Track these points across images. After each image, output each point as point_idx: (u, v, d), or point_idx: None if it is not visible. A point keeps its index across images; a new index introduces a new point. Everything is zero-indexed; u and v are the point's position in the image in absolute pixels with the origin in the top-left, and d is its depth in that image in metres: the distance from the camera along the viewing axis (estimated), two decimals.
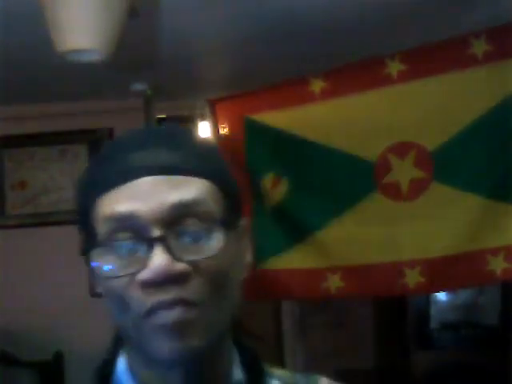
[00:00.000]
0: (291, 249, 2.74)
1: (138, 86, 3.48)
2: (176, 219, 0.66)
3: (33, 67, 3.03)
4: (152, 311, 0.66)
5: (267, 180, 2.78)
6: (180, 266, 0.65)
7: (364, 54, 2.61)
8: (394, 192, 2.58)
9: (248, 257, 0.75)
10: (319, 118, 2.68)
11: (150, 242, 0.65)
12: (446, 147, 2.50)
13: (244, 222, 0.75)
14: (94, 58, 2.11)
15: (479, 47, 2.41)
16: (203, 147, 0.74)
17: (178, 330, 0.65)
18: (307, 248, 2.72)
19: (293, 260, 2.73)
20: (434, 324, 4.19)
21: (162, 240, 0.65)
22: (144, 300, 0.66)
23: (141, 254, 0.66)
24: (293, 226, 2.77)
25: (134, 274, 0.66)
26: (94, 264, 0.68)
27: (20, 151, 3.81)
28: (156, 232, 0.65)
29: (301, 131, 2.69)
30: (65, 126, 3.81)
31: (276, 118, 2.74)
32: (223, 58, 3.25)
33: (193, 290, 0.66)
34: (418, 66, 2.53)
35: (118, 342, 0.77)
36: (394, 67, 2.55)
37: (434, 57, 2.52)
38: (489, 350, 3.99)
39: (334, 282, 2.67)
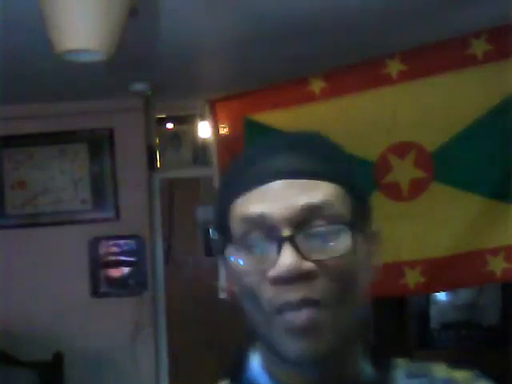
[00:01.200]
0: None
1: (138, 86, 3.48)
2: (305, 220, 0.70)
3: (33, 67, 3.03)
4: (281, 310, 0.69)
5: None
6: (307, 265, 0.68)
7: (364, 54, 2.61)
8: (394, 192, 2.58)
9: (377, 261, 0.80)
10: (319, 118, 2.68)
11: (280, 241, 0.69)
12: (446, 147, 2.51)
13: (376, 227, 0.79)
14: (94, 58, 2.11)
15: (479, 47, 2.42)
16: (334, 152, 0.77)
17: (305, 331, 0.68)
18: None
19: None
20: (434, 324, 4.19)
21: (290, 239, 0.68)
22: (273, 298, 0.69)
23: (272, 253, 0.69)
24: None
25: (265, 272, 0.69)
26: (230, 260, 0.73)
27: (20, 151, 3.81)
28: (285, 232, 0.69)
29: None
30: (65, 126, 3.80)
31: (276, 118, 2.74)
32: (223, 58, 3.25)
33: (320, 289, 0.69)
34: (418, 66, 2.53)
35: (251, 338, 0.80)
36: (394, 67, 2.55)
37: (434, 57, 2.53)
38: (489, 350, 3.99)
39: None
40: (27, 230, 3.79)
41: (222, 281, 2.86)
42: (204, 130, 3.78)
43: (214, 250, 4.67)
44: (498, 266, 2.43)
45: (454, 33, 2.48)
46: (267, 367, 0.76)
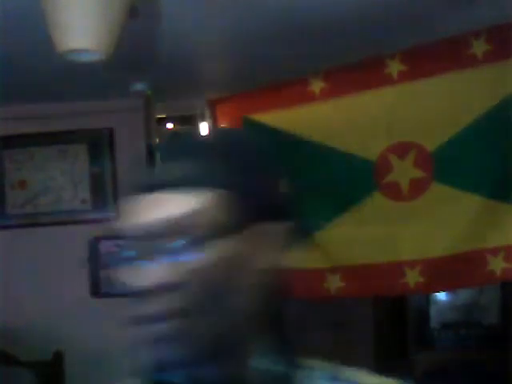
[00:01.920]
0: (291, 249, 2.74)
1: (138, 86, 3.48)
2: (166, 233, 0.69)
3: (33, 67, 3.03)
4: (142, 322, 0.69)
5: None
6: (165, 279, 0.68)
7: (364, 54, 2.61)
8: (394, 192, 2.58)
9: (264, 260, 0.76)
10: (319, 118, 2.68)
11: (143, 254, 0.69)
12: (446, 147, 2.51)
13: (260, 226, 0.75)
14: (94, 58, 2.11)
15: (479, 47, 2.42)
16: (207, 157, 0.74)
17: (164, 342, 0.68)
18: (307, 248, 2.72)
19: (293, 260, 2.73)
20: (434, 324, 4.19)
21: (154, 252, 0.69)
22: (134, 311, 0.70)
23: (135, 267, 0.70)
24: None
25: (129, 286, 0.70)
26: (111, 272, 0.75)
27: (20, 151, 3.81)
28: (149, 244, 0.69)
29: (301, 131, 2.69)
30: (65, 126, 3.80)
31: (276, 118, 2.74)
32: (223, 58, 3.25)
33: (180, 301, 0.69)
34: (418, 66, 2.53)
35: None
36: (394, 67, 2.55)
37: (434, 57, 2.53)
38: (489, 349, 3.99)
39: (334, 282, 2.67)
40: (27, 229, 3.79)
41: None
42: (204, 130, 3.78)
43: None
44: (497, 265, 2.43)
45: (453, 33, 2.48)
46: None
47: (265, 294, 0.75)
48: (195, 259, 0.69)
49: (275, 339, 0.78)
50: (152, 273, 0.68)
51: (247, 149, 0.79)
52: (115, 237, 0.73)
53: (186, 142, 0.80)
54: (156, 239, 0.69)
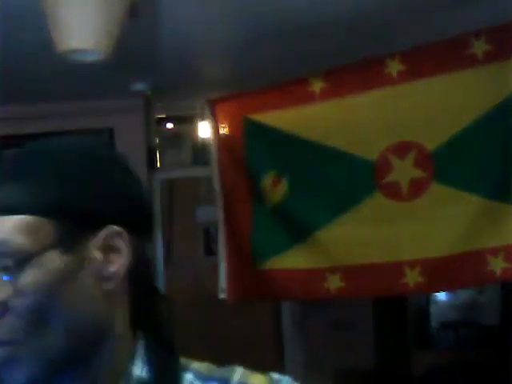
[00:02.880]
0: (291, 249, 2.74)
1: (138, 86, 3.48)
2: None
3: (33, 67, 3.03)
4: None
5: (267, 180, 2.78)
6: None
7: (364, 54, 2.61)
8: (394, 192, 2.58)
9: (114, 265, 0.74)
10: (319, 118, 2.68)
11: None
12: (446, 147, 2.50)
13: (96, 236, 0.73)
14: (94, 58, 2.11)
15: (479, 47, 2.41)
16: (33, 175, 0.72)
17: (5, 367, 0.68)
18: (307, 248, 2.72)
19: (293, 260, 2.74)
20: (434, 324, 4.19)
21: None
22: None
23: None
24: (293, 226, 2.77)
25: None
26: None
27: None
28: None
29: (301, 131, 2.69)
30: (65, 126, 3.80)
31: (276, 118, 2.74)
32: (223, 59, 3.26)
33: (6, 328, 0.68)
34: (418, 66, 2.53)
35: None
36: (394, 67, 2.55)
37: (434, 57, 2.52)
38: (489, 349, 3.99)
39: (334, 282, 2.67)
40: None
41: (222, 281, 2.87)
42: (204, 129, 3.78)
43: (213, 250, 4.68)
44: (497, 265, 2.43)
45: (454, 33, 2.48)
46: None
47: (122, 297, 0.75)
48: (26, 281, 0.68)
49: (149, 342, 0.78)
50: None
51: (78, 157, 0.75)
52: None
53: (7, 161, 0.75)
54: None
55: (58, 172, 0.72)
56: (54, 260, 0.69)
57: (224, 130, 2.87)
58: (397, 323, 4.22)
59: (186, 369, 0.80)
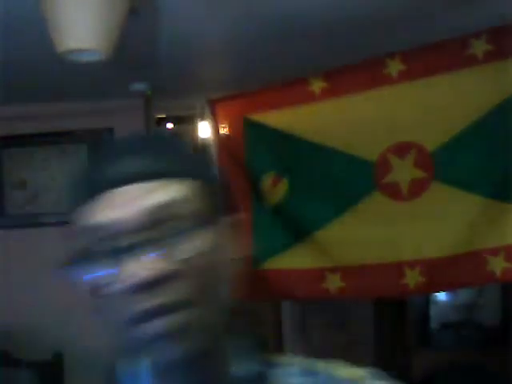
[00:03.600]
0: (291, 249, 2.74)
1: (138, 86, 3.48)
2: (153, 223, 0.66)
3: (33, 67, 3.03)
4: (141, 319, 0.66)
5: (267, 180, 2.78)
6: (161, 270, 0.65)
7: (364, 54, 2.61)
8: (394, 192, 2.58)
9: (237, 252, 0.74)
10: (319, 118, 2.68)
11: (130, 249, 0.66)
12: (446, 147, 2.50)
13: (231, 217, 0.74)
14: (94, 58, 2.11)
15: (479, 47, 2.41)
16: (179, 149, 0.74)
17: (171, 335, 0.66)
18: (307, 248, 2.72)
19: (293, 260, 2.74)
20: (434, 324, 4.19)
21: (140, 246, 0.65)
22: (132, 308, 0.66)
23: (123, 263, 0.66)
24: (293, 226, 2.77)
25: (118, 283, 0.66)
26: (76, 275, 0.70)
27: (20, 151, 3.81)
28: (134, 238, 0.66)
29: (301, 131, 2.69)
30: (65, 126, 3.80)
31: (276, 118, 2.74)
32: (223, 58, 3.25)
33: (179, 291, 0.66)
34: (418, 66, 2.53)
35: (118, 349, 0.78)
36: (394, 67, 2.55)
37: (434, 57, 2.52)
38: (489, 349, 3.99)
39: (334, 282, 2.67)
40: (27, 230, 3.79)
41: None
42: (204, 129, 3.78)
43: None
44: (497, 265, 2.43)
45: (454, 33, 2.48)
46: (149, 376, 0.75)
47: (235, 286, 0.75)
48: (194, 245, 0.67)
49: (247, 336, 0.78)
50: (147, 265, 0.65)
51: (182, 143, 0.77)
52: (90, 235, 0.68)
53: (131, 140, 0.77)
54: (143, 231, 0.66)
55: (187, 151, 0.75)
56: (214, 232, 0.69)
57: (224, 130, 2.87)
58: (397, 323, 4.22)
59: (284, 363, 0.79)
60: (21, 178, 3.81)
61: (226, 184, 0.76)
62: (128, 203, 0.67)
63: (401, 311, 4.16)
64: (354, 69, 2.67)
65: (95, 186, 0.69)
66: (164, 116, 4.03)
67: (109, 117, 3.79)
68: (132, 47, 2.54)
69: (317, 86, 2.66)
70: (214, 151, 2.90)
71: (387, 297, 3.48)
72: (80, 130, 3.82)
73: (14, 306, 3.61)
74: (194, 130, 3.98)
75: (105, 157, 0.73)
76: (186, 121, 4.01)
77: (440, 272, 2.54)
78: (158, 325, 0.65)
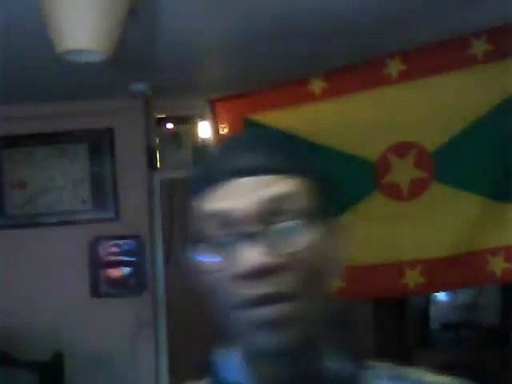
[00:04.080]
0: None
1: (138, 86, 3.48)
2: (269, 215, 0.70)
3: (33, 67, 3.03)
4: (248, 305, 0.69)
5: None
6: (273, 260, 0.69)
7: (364, 54, 2.61)
8: (394, 192, 2.58)
9: (341, 253, 0.79)
10: (319, 118, 2.68)
11: (241, 237, 0.69)
12: (446, 147, 2.51)
13: (338, 219, 0.79)
14: (94, 58, 2.11)
15: (479, 47, 2.42)
16: (294, 146, 0.78)
17: (276, 324, 0.69)
18: None
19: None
20: (434, 324, 4.19)
21: (252, 235, 0.69)
22: (240, 293, 0.69)
23: (237, 249, 0.70)
24: None
25: (231, 269, 0.70)
26: (197, 258, 0.74)
27: (20, 151, 3.81)
28: (249, 227, 0.70)
29: (301, 131, 2.68)
30: (65, 126, 3.80)
31: (276, 118, 2.74)
32: (223, 58, 3.25)
33: (287, 282, 0.69)
34: (418, 66, 2.53)
35: (223, 337, 0.80)
36: (394, 67, 2.55)
37: (434, 57, 2.53)
38: (489, 349, 3.99)
39: (334, 283, 2.67)
40: (27, 230, 3.79)
41: None
42: (204, 130, 3.78)
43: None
44: (497, 266, 2.43)
45: (454, 33, 2.48)
46: (244, 364, 0.77)
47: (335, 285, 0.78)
48: (306, 239, 0.71)
49: (341, 337, 0.80)
50: (263, 254, 0.68)
51: (296, 141, 0.81)
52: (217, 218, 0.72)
53: (250, 135, 0.83)
54: (261, 220, 0.70)
55: (302, 149, 0.79)
56: (318, 227, 0.72)
57: (224, 130, 2.87)
58: (397, 323, 4.22)
59: (375, 366, 0.80)
60: (20, 178, 3.81)
61: (335, 186, 0.80)
62: (248, 193, 0.71)
63: (401, 311, 4.16)
64: (354, 69, 2.67)
65: (217, 175, 0.73)
66: (164, 116, 4.03)
67: (109, 117, 3.79)
68: (132, 47, 2.54)
69: (317, 85, 2.66)
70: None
71: (387, 297, 3.48)
72: (80, 130, 3.82)
73: (13, 306, 3.61)
74: (194, 130, 3.98)
75: (226, 149, 0.78)
76: (186, 121, 4.01)
77: (440, 272, 2.54)
78: (264, 312, 0.69)
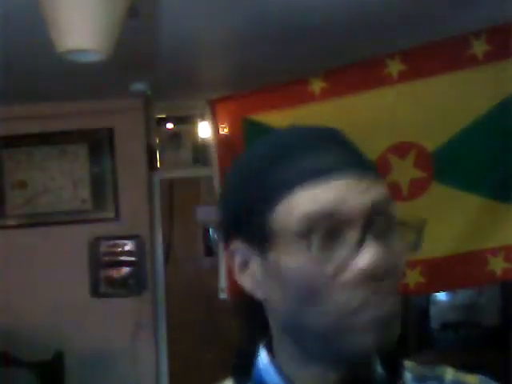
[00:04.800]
0: None
1: (138, 86, 3.48)
2: (372, 218, 0.68)
3: (33, 67, 3.03)
4: (362, 307, 0.66)
5: None
6: (393, 260, 0.68)
7: (364, 54, 2.61)
8: (394, 192, 2.56)
9: None
10: (319, 118, 2.68)
11: (362, 237, 0.66)
12: (446, 147, 2.50)
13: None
14: (94, 58, 2.11)
15: (479, 47, 2.41)
16: (359, 148, 0.77)
17: (385, 324, 0.67)
18: None
19: None
20: (434, 324, 4.19)
21: (372, 234, 0.67)
22: (353, 297, 0.66)
23: (343, 252, 0.66)
24: None
25: (332, 271, 0.66)
26: (274, 260, 0.69)
27: (20, 151, 3.82)
28: (362, 228, 0.67)
29: None
30: (65, 126, 3.81)
31: (276, 118, 2.74)
32: (223, 58, 3.25)
33: (393, 286, 0.69)
34: (418, 66, 2.53)
35: (257, 335, 0.77)
36: (394, 67, 2.54)
37: (434, 57, 2.52)
38: (489, 350, 3.99)
39: None
40: (27, 229, 3.79)
41: (222, 281, 2.86)
42: (204, 130, 3.78)
43: (213, 250, 4.67)
44: (497, 265, 2.43)
45: (454, 33, 2.48)
46: (279, 366, 0.74)
47: None
48: (401, 244, 0.70)
49: None
50: (380, 257, 0.66)
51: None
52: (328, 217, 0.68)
53: (310, 131, 0.83)
54: (369, 221, 0.68)
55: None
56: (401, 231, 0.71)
57: (224, 130, 2.87)
58: None
59: (405, 368, 0.79)
60: (21, 178, 3.81)
61: None
62: (351, 195, 0.68)
63: (401, 311, 4.16)
64: (353, 69, 2.67)
65: (311, 171, 0.69)
66: (164, 116, 4.04)
67: (109, 117, 3.80)
68: (132, 47, 2.54)
69: (317, 86, 2.66)
70: (213, 151, 2.90)
71: None
72: (80, 130, 3.82)
73: (13, 306, 3.61)
74: (194, 130, 3.98)
75: (306, 145, 0.76)
76: (186, 121, 4.02)
77: (440, 272, 2.54)
78: (375, 312, 0.67)
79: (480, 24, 2.44)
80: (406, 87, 2.54)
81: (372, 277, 0.66)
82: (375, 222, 0.68)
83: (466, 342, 4.12)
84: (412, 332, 4.17)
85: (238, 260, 0.74)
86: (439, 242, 2.54)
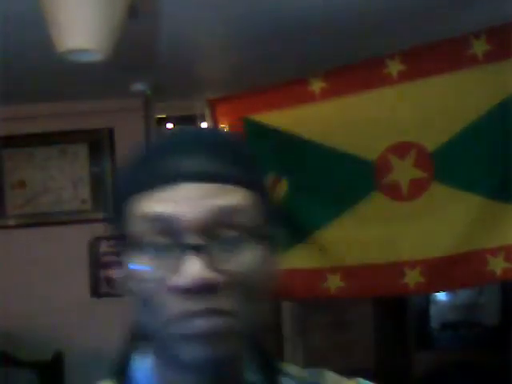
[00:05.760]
0: (291, 249, 2.74)
1: (138, 86, 3.48)
2: (214, 227, 0.65)
3: (33, 67, 3.03)
4: (184, 318, 0.65)
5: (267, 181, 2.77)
6: (215, 276, 0.64)
7: (364, 54, 2.61)
8: (394, 192, 2.58)
9: (277, 270, 0.74)
10: (319, 118, 2.68)
11: (187, 248, 0.64)
12: (446, 147, 2.50)
13: (280, 233, 0.74)
14: (94, 58, 2.11)
15: (479, 47, 2.41)
16: (243, 155, 0.72)
17: (209, 339, 0.65)
18: (307, 248, 2.72)
19: (293, 260, 2.73)
20: (434, 324, 4.19)
21: (198, 248, 0.64)
22: (175, 306, 0.65)
23: (175, 259, 0.65)
24: (293, 227, 2.76)
25: (165, 279, 0.66)
26: (127, 263, 0.69)
27: (20, 151, 3.81)
28: (193, 238, 0.65)
29: (301, 131, 2.69)
30: (65, 126, 3.81)
31: (276, 118, 2.74)
32: (223, 58, 3.25)
33: (226, 300, 0.65)
34: (418, 66, 2.53)
35: (134, 341, 0.78)
36: (394, 67, 2.55)
37: (434, 57, 2.52)
38: (489, 349, 3.99)
39: (334, 282, 2.67)
40: (27, 229, 3.79)
41: None
42: None
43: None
44: (497, 265, 2.43)
45: (454, 33, 2.48)
46: (157, 372, 0.74)
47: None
48: (250, 257, 0.67)
49: (258, 346, 0.78)
50: (206, 268, 0.64)
51: (245, 147, 0.75)
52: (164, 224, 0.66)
53: (194, 134, 0.75)
54: (208, 232, 0.65)
55: (251, 157, 0.72)
56: (263, 244, 0.68)
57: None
58: (397, 323, 4.22)
59: (284, 373, 0.78)
60: (21, 178, 3.81)
61: (275, 199, 0.76)
62: (197, 201, 0.65)
63: (401, 311, 4.16)
64: (353, 69, 2.67)
65: (162, 175, 0.67)
66: (164, 116, 4.03)
67: (109, 117, 3.80)
68: (132, 47, 2.54)
69: (317, 86, 2.66)
70: None
71: (387, 297, 3.48)
72: (80, 130, 3.82)
73: (13, 306, 3.61)
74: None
75: (170, 148, 0.70)
76: (186, 121, 4.01)
77: (440, 272, 2.54)
78: (200, 325, 0.65)
79: (480, 24, 2.44)
80: (406, 87, 2.54)
81: (188, 291, 0.64)
82: (219, 232, 0.66)
83: (466, 341, 4.12)
84: (412, 332, 4.17)
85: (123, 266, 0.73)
86: (439, 242, 2.55)
